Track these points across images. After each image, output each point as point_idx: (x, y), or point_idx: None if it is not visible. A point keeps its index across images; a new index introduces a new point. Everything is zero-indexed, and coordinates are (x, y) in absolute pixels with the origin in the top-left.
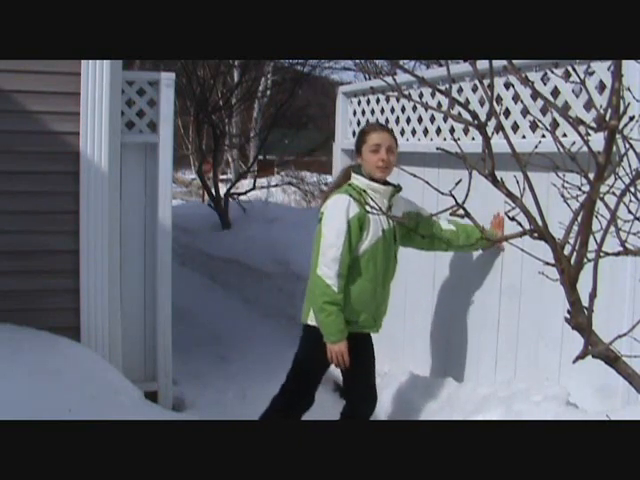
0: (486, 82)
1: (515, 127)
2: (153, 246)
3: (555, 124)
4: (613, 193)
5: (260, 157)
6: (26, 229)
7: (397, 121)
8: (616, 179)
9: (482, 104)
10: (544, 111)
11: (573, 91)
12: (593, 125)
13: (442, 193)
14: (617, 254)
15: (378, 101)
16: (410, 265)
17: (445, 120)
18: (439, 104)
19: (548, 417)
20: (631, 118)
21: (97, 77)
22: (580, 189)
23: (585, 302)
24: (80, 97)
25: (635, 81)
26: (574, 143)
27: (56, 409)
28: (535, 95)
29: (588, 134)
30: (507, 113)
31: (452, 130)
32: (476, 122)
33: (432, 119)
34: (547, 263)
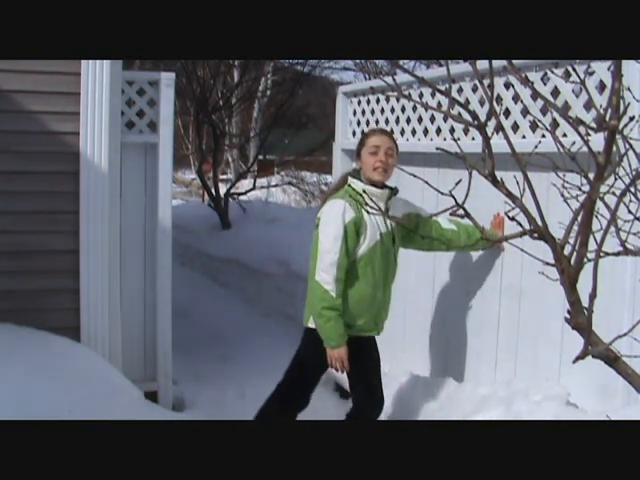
0: (486, 82)
1: (515, 127)
2: (153, 246)
3: (555, 124)
4: (613, 193)
5: (260, 157)
6: (26, 229)
7: (397, 121)
8: (616, 179)
9: (482, 104)
10: (544, 111)
11: (573, 91)
12: (593, 125)
13: (442, 193)
14: (617, 254)
15: (378, 101)
16: (410, 265)
17: (445, 120)
18: (439, 104)
19: (548, 417)
20: (631, 118)
21: (97, 77)
22: (580, 189)
23: (585, 302)
24: (80, 97)
25: (635, 81)
26: (574, 143)
27: (56, 409)
28: (535, 95)
29: (588, 134)
30: (507, 113)
31: (452, 130)
32: (476, 122)
33: (432, 119)
34: (547, 263)
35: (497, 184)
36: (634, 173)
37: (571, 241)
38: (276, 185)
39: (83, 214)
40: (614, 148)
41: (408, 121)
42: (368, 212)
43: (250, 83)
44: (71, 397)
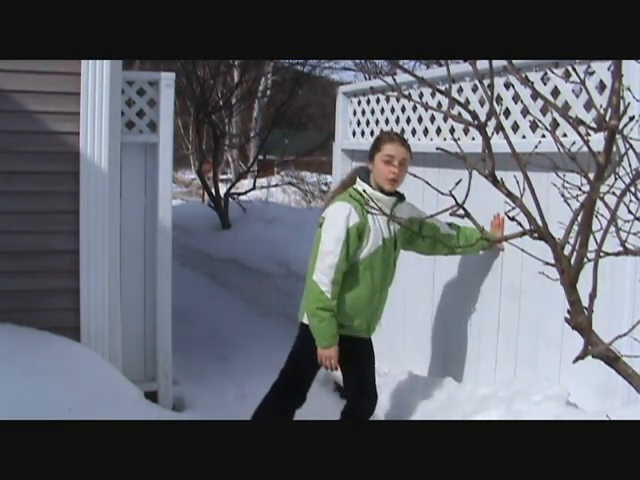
0: (486, 82)
1: (515, 127)
2: (153, 246)
3: (555, 124)
4: (613, 193)
5: (260, 157)
6: (26, 229)
7: (397, 121)
8: (616, 179)
9: (482, 104)
10: (544, 111)
11: (573, 91)
12: (593, 125)
13: (442, 193)
14: (617, 254)
15: (378, 101)
16: (410, 265)
17: (445, 120)
18: (439, 104)
19: (548, 417)
20: (631, 118)
21: (97, 77)
22: (580, 189)
23: (585, 302)
24: (80, 97)
25: (635, 81)
26: (574, 143)
27: (56, 409)
28: (535, 95)
29: (588, 134)
30: (507, 113)
31: (452, 130)
32: (476, 122)
33: (432, 119)
34: (547, 263)
35: (497, 184)
36: (634, 173)
37: (571, 241)
38: (276, 185)
39: (83, 214)
40: (614, 148)
41: (408, 121)
42: (372, 214)
43: (250, 83)
44: (71, 397)
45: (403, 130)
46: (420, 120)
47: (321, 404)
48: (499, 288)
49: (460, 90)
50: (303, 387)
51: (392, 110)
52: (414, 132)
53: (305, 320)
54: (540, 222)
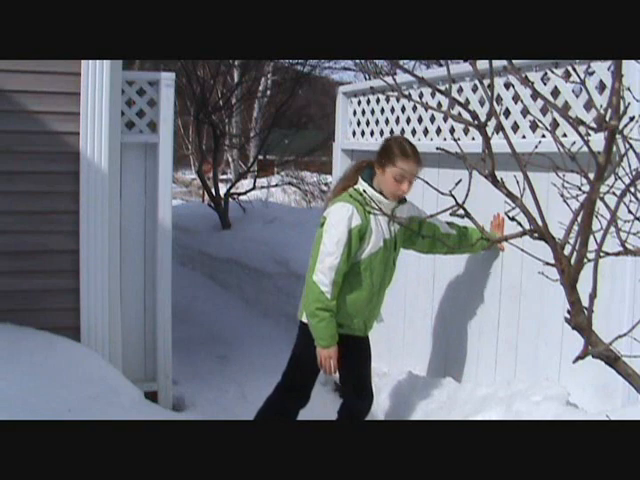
0: (486, 82)
1: (515, 127)
2: (153, 246)
3: (555, 124)
4: (613, 193)
5: (260, 157)
6: (26, 229)
7: (397, 121)
8: (616, 179)
9: (482, 104)
10: (544, 111)
11: (573, 91)
12: (593, 125)
13: (442, 193)
14: (617, 254)
15: (378, 101)
16: (410, 265)
17: (445, 120)
18: (439, 104)
19: (548, 417)
20: (631, 118)
21: (97, 77)
22: (580, 189)
23: (585, 302)
24: (80, 97)
25: (635, 81)
26: (574, 143)
27: (56, 409)
28: (535, 95)
29: (588, 134)
30: (507, 113)
31: (452, 130)
32: (476, 122)
33: (432, 119)
34: (547, 263)
35: (497, 184)
36: (634, 173)
37: (571, 241)
38: (276, 185)
39: (83, 214)
40: (614, 148)
41: (408, 121)
42: (374, 214)
43: (250, 83)
44: (71, 397)
45: (403, 130)
46: (420, 120)
47: (321, 404)
48: (499, 288)
49: (460, 90)
50: (306, 387)
51: (392, 110)
52: (414, 132)
53: (305, 319)
54: (540, 222)
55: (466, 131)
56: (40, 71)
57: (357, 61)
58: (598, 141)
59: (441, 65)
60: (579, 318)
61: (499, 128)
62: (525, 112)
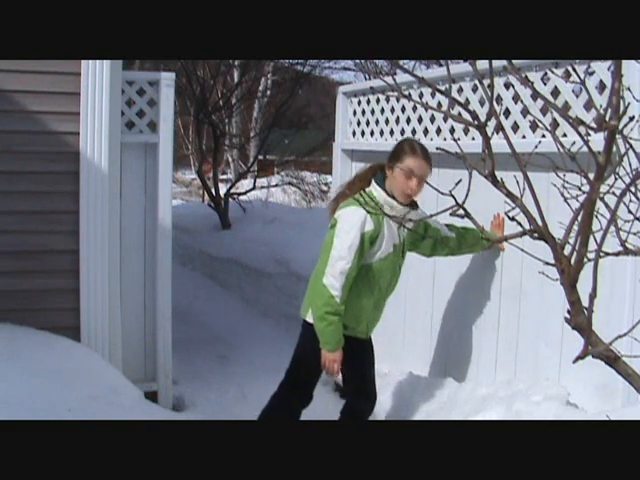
0: (486, 82)
1: (515, 127)
2: (153, 246)
3: (555, 124)
4: (613, 193)
5: (260, 157)
6: (26, 229)
7: (397, 121)
8: (616, 179)
9: (482, 104)
10: (544, 111)
11: (573, 91)
12: (593, 125)
13: (442, 193)
14: (617, 254)
15: (378, 101)
16: (410, 266)
17: (445, 120)
18: (439, 104)
19: (548, 417)
20: (631, 118)
21: (97, 77)
22: (580, 189)
23: (585, 302)
24: (80, 97)
25: (635, 81)
26: (574, 143)
27: (56, 409)
28: (535, 95)
29: (588, 134)
30: (507, 113)
31: (452, 130)
32: (476, 122)
33: (432, 119)
34: (547, 263)
35: (497, 184)
36: (634, 173)
37: (571, 241)
38: (276, 185)
39: (83, 214)
40: (614, 148)
41: (408, 121)
42: (388, 216)
43: (250, 83)
44: (71, 397)
45: (403, 130)
46: (420, 120)
47: (321, 404)
48: (499, 288)
49: (460, 90)
50: (309, 386)
51: (392, 110)
52: (414, 132)
53: (308, 318)
54: (540, 222)
55: (466, 131)
56: (40, 71)
57: (357, 61)
58: (598, 141)
59: (441, 65)
60: (579, 318)
61: (499, 128)
62: (525, 112)
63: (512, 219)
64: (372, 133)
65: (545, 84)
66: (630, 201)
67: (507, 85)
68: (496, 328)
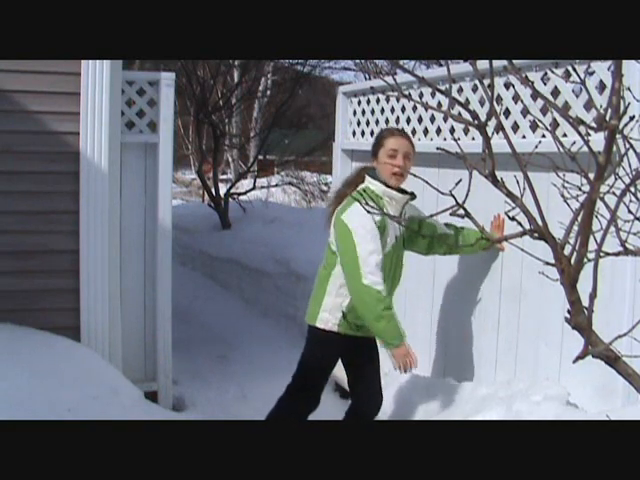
0: (486, 82)
1: (515, 127)
2: (153, 246)
3: (555, 124)
4: (613, 193)
5: (260, 157)
6: (26, 229)
7: (397, 121)
8: (616, 179)
9: (482, 104)
10: (544, 111)
11: (573, 91)
12: (593, 125)
13: (442, 193)
14: (617, 254)
15: (378, 101)
16: (410, 265)
17: (445, 120)
18: (439, 104)
19: (548, 417)
20: (631, 118)
21: (97, 77)
22: (580, 189)
23: (585, 302)
24: (80, 97)
25: (635, 81)
26: (574, 143)
27: (56, 409)
28: (535, 95)
29: (588, 134)
30: (507, 113)
31: (452, 130)
32: (476, 122)
33: (432, 119)
34: (547, 263)
35: (497, 184)
36: (634, 173)
37: (571, 241)
38: (276, 185)
39: (83, 214)
40: (614, 148)
41: (408, 121)
42: (387, 215)
43: (250, 83)
44: (71, 397)
45: (403, 130)
46: (420, 120)
47: (321, 404)
48: (499, 288)
49: (460, 90)
50: (317, 389)
51: (392, 110)
52: (414, 132)
53: (315, 323)
54: (540, 222)
55: (466, 131)
56: (40, 71)
57: (357, 61)
58: (598, 141)
59: (441, 65)
60: (579, 318)
61: (499, 128)
62: (525, 112)
63: (512, 219)
64: (372, 133)
65: (545, 84)
66: (630, 201)
67: (507, 85)
68: (496, 328)
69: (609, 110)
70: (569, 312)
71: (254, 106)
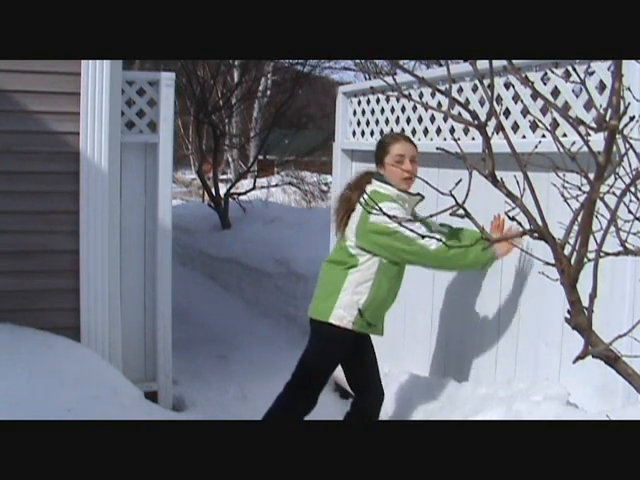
0: (486, 82)
1: (515, 127)
2: (153, 246)
3: (555, 124)
4: (613, 193)
5: (260, 157)
6: (26, 229)
7: (397, 121)
8: (616, 179)
9: (482, 104)
10: (544, 111)
11: (573, 91)
12: (593, 125)
13: (442, 193)
14: (617, 254)
15: (378, 101)
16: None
17: (445, 120)
18: (439, 104)
19: (548, 417)
20: (631, 118)
21: (97, 77)
22: (580, 189)
23: (585, 302)
24: (80, 97)
25: (635, 81)
26: (574, 143)
27: (55, 409)
28: (535, 95)
29: (588, 134)
30: (507, 113)
31: (452, 130)
32: (476, 122)
33: (432, 119)
34: (547, 263)
35: (497, 184)
36: (634, 173)
37: (571, 241)
38: (276, 185)
39: (83, 214)
40: (614, 148)
41: (408, 121)
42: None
43: (250, 83)
44: (71, 397)
45: (403, 130)
46: (420, 120)
47: (320, 404)
48: (499, 288)
49: (460, 90)
50: (316, 389)
51: (392, 110)
52: (414, 132)
53: (325, 319)
54: (540, 222)
55: (466, 131)
56: (40, 71)
57: (357, 61)
58: (598, 141)
59: (441, 65)
60: (579, 318)
61: (499, 128)
62: (525, 112)
63: (512, 219)
64: (372, 133)
65: (545, 84)
66: (630, 201)
67: (507, 85)
68: (496, 328)
69: (609, 110)
70: (569, 312)
71: (254, 106)
